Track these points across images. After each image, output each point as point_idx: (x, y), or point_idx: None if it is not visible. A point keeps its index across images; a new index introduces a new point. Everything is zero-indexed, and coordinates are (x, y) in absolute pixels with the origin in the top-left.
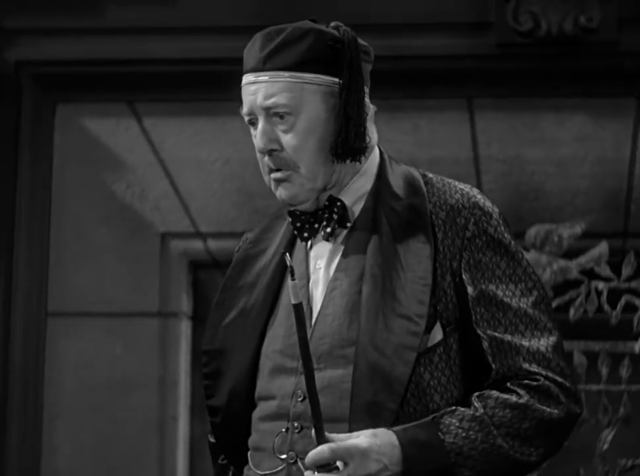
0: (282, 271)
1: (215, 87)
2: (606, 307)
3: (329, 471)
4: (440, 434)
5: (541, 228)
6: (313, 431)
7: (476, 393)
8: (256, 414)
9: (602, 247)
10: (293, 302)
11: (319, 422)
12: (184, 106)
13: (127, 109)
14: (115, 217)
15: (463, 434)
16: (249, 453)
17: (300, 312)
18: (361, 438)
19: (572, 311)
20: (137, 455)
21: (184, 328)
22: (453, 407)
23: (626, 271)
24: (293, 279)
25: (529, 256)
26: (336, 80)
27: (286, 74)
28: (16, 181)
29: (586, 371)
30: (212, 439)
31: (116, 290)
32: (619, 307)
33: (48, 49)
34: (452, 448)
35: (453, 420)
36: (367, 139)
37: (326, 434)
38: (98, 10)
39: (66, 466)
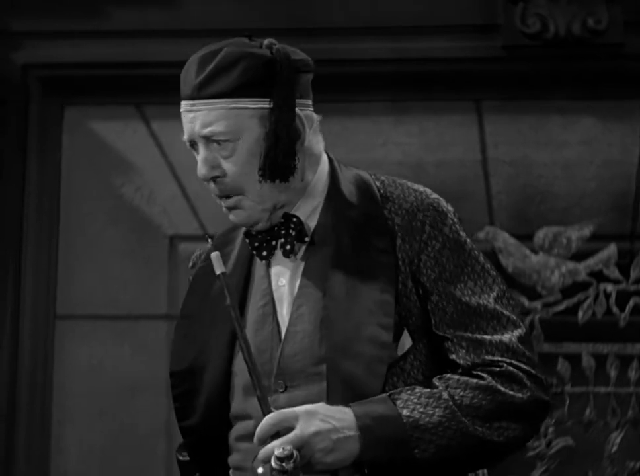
0: (244, 286)
1: None
2: (615, 309)
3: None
4: (396, 407)
5: (549, 230)
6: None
7: (437, 376)
8: (233, 433)
9: (611, 249)
10: (216, 272)
11: (263, 395)
12: None
13: (135, 112)
14: (123, 219)
15: (421, 409)
16: (230, 471)
17: (227, 281)
18: (310, 404)
19: (580, 313)
20: (145, 457)
21: None
22: (412, 386)
23: (634, 273)
24: (214, 250)
25: (538, 258)
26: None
27: (221, 101)
28: (24, 184)
29: (595, 373)
30: (181, 458)
31: (124, 293)
32: (627, 309)
33: (55, 52)
34: (408, 421)
35: (411, 396)
36: (297, 160)
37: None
38: (105, 13)
39: (74, 468)
